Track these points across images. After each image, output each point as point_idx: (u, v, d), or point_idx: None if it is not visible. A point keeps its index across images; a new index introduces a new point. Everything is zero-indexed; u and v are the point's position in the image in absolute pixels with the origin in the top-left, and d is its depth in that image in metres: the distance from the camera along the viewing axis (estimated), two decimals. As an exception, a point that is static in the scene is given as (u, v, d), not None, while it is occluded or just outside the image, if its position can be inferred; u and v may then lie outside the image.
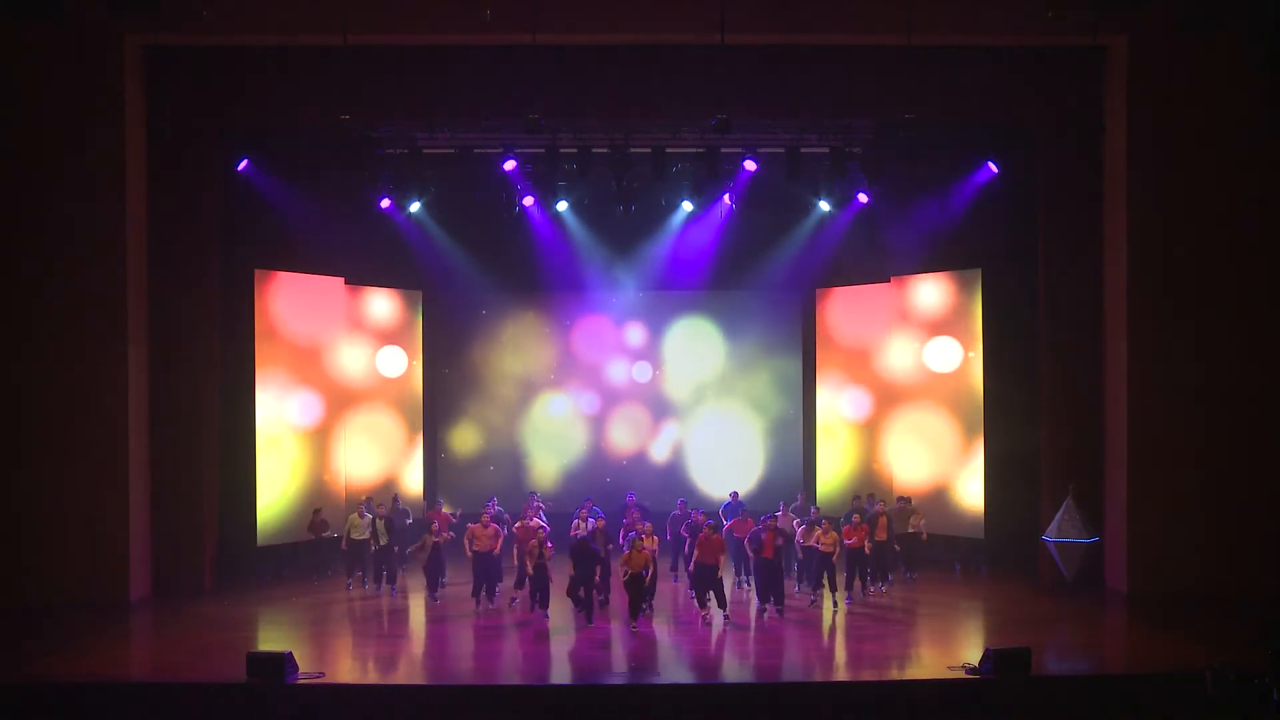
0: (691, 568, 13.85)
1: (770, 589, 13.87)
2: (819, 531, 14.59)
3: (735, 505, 16.37)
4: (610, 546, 14.56)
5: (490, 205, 18.29)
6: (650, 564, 13.34)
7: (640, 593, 13.26)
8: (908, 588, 15.58)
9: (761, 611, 13.87)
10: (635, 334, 19.84)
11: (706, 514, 15.26)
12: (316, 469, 17.68)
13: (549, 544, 14.05)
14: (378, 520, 15.65)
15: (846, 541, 14.73)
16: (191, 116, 14.94)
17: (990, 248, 17.45)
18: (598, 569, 13.95)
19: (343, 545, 15.95)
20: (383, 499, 16.89)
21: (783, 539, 14.11)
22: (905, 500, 16.33)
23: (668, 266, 19.49)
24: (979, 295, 17.24)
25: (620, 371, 19.85)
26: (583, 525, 15.01)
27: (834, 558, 14.50)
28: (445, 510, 16.45)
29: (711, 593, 13.59)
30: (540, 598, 13.81)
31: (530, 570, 13.80)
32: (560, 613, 13.91)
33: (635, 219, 18.70)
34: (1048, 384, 15.68)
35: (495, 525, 14.71)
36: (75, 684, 11.08)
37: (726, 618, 13.56)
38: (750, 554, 14.31)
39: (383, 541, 15.56)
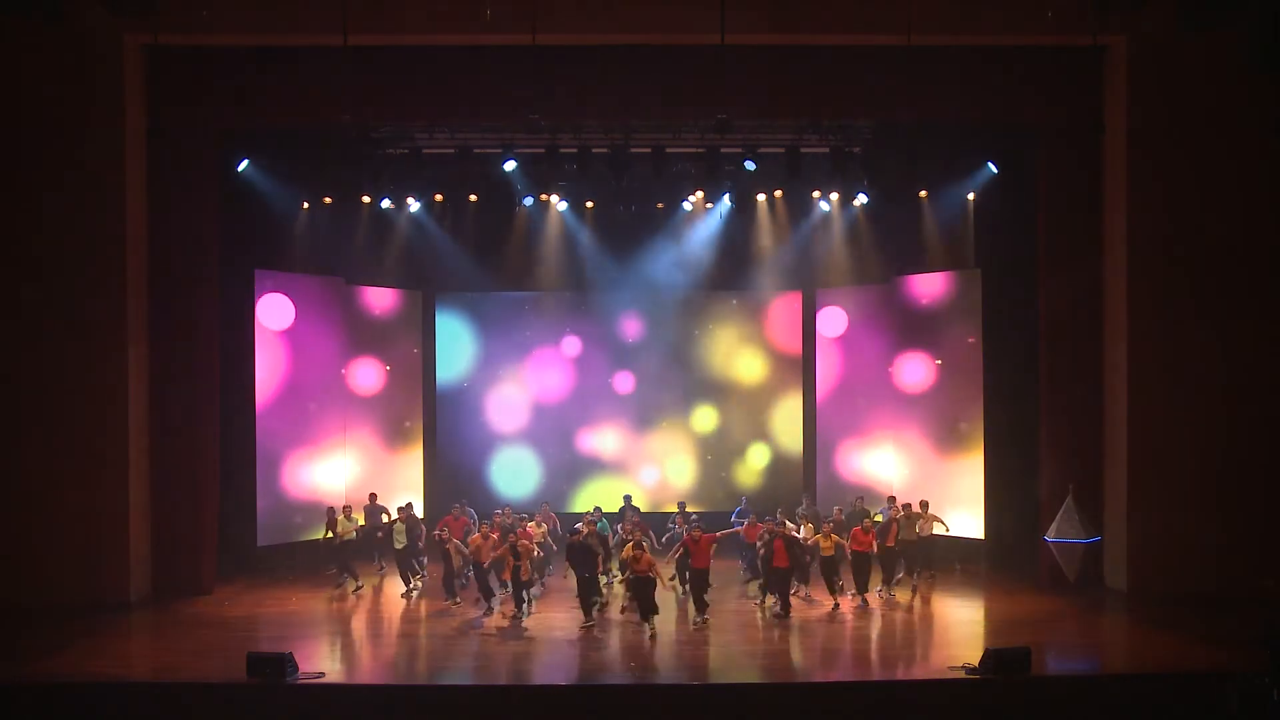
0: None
1: (777, 591, 13.87)
2: (820, 535, 14.60)
3: (743, 510, 16.37)
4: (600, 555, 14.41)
5: (490, 205, 18.30)
6: (653, 565, 13.27)
7: (648, 594, 13.10)
8: (908, 588, 15.57)
9: (776, 615, 13.84)
10: (636, 334, 19.80)
11: (698, 520, 15.17)
12: (317, 468, 17.68)
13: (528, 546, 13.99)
14: (397, 523, 15.54)
15: (855, 546, 14.70)
16: (192, 116, 14.91)
17: (990, 248, 17.46)
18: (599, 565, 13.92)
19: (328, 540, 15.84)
20: (375, 501, 16.95)
21: (795, 546, 14.11)
22: (908, 505, 16.20)
23: (667, 266, 19.46)
24: (979, 295, 17.25)
25: (620, 371, 19.80)
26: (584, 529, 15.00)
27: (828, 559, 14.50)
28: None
29: (692, 595, 13.55)
30: (515, 600, 13.83)
31: (506, 575, 13.89)
32: (557, 614, 13.92)
33: (635, 219, 18.71)
34: (1047, 384, 15.67)
35: (495, 536, 14.57)
36: (75, 684, 11.09)
37: (705, 620, 13.45)
38: (761, 553, 14.31)
39: (400, 544, 15.42)
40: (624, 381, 19.74)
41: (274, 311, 17.11)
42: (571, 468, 19.63)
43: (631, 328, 19.74)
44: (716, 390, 19.79)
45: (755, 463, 19.67)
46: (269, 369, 17.04)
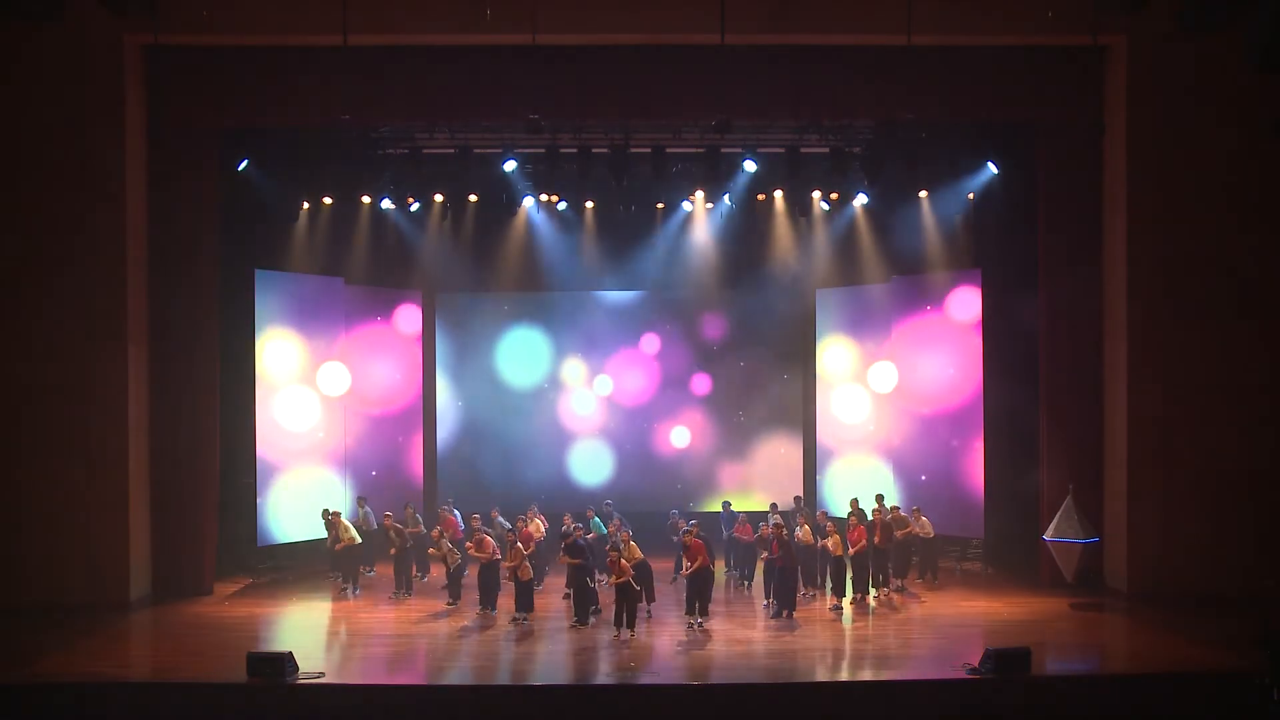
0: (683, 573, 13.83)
1: (782, 593, 13.87)
2: (820, 533, 14.60)
3: (729, 514, 16.37)
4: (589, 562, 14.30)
5: (490, 205, 18.30)
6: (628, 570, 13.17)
7: (631, 600, 13.11)
8: (904, 589, 15.57)
9: (778, 614, 13.86)
10: (635, 334, 19.80)
11: (693, 521, 15.13)
12: (317, 469, 17.68)
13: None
14: (393, 527, 15.51)
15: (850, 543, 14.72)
16: (191, 116, 14.91)
17: (990, 248, 17.45)
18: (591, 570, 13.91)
19: (335, 547, 15.80)
20: (374, 499, 16.95)
21: (786, 546, 14.09)
22: (895, 508, 16.15)
23: (667, 266, 19.44)
24: (979, 295, 17.24)
25: (619, 372, 19.80)
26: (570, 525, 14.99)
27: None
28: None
29: (697, 599, 13.50)
30: (521, 603, 13.77)
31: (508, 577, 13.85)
32: (557, 614, 13.92)
33: (635, 219, 18.70)
34: (1047, 384, 15.66)
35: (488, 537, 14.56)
36: (75, 684, 11.09)
37: (700, 624, 13.40)
38: (762, 555, 14.29)
39: (399, 546, 15.41)
40: (621, 381, 19.76)
41: (273, 311, 17.09)
42: (586, 470, 19.64)
43: (632, 327, 19.74)
44: (715, 390, 19.80)
45: (748, 458, 19.67)
46: (269, 368, 17.03)
